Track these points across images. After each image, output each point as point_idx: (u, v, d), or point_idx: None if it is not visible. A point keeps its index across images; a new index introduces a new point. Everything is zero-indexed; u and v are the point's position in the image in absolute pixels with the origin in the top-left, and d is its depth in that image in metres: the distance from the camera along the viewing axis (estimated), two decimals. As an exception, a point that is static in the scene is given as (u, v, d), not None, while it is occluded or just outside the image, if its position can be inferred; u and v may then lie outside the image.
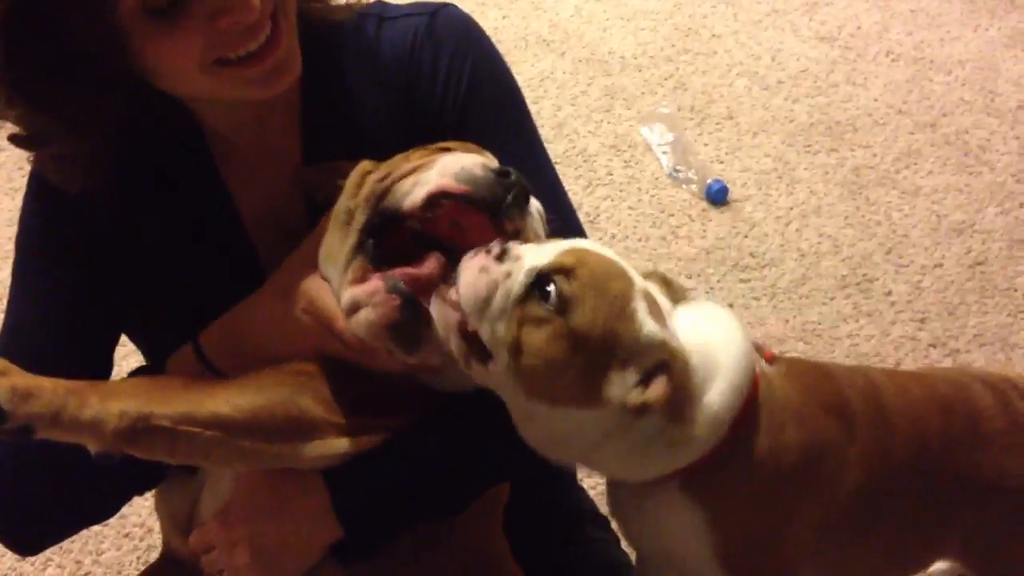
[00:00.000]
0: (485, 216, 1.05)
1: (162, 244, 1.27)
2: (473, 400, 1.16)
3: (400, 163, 1.13)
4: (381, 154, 1.20)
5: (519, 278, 1.00)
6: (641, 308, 1.01)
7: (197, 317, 1.21)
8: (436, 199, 1.05)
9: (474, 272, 1.01)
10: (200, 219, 1.27)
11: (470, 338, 1.02)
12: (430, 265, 1.06)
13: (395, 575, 1.15)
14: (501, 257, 1.01)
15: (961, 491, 1.22)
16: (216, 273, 1.27)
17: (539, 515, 1.54)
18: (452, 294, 1.02)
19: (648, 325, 1.01)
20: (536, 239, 1.08)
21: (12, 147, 1.16)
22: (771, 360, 1.14)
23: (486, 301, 1.00)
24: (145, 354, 1.40)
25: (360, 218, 1.10)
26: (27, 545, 1.32)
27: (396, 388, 1.14)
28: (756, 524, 1.11)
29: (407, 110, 1.26)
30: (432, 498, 1.16)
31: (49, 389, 0.97)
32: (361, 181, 1.14)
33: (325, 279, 1.13)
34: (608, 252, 1.06)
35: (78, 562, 1.93)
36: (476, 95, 1.27)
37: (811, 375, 1.18)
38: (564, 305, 0.99)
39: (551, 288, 0.99)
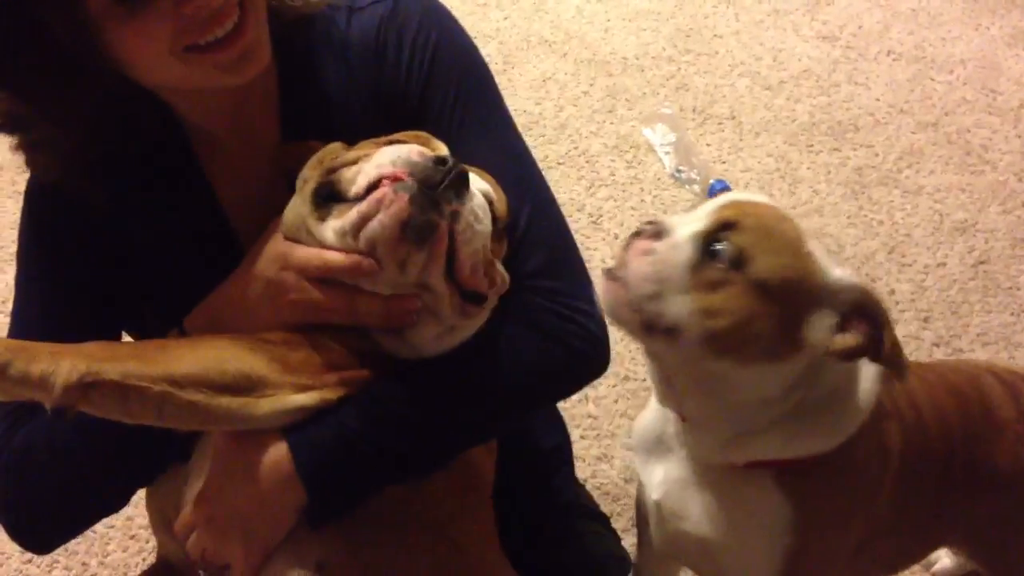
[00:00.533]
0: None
1: (146, 236, 1.29)
2: (437, 362, 1.17)
3: (352, 152, 1.17)
4: (356, 135, 1.23)
5: (684, 246, 0.99)
6: (817, 248, 0.99)
7: (185, 306, 1.22)
8: (376, 184, 1.09)
9: (639, 257, 1.00)
10: (182, 209, 1.28)
11: (648, 320, 1.01)
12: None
13: (373, 550, 1.15)
14: (659, 235, 1.00)
15: (975, 481, 1.21)
16: (200, 261, 1.28)
17: (529, 508, 1.55)
18: (624, 274, 1.02)
19: (832, 266, 0.98)
20: (475, 223, 1.10)
21: (12, 152, 1.18)
22: None
23: (659, 281, 0.99)
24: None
25: (310, 186, 1.15)
26: (40, 543, 1.33)
27: (355, 354, 1.15)
28: (838, 530, 1.09)
29: (377, 95, 1.28)
30: (396, 457, 1.15)
31: (0, 346, 1.00)
32: (321, 159, 1.19)
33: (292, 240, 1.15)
34: (761, 197, 1.04)
35: (84, 564, 1.93)
36: (437, 70, 1.28)
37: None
38: (739, 259, 0.97)
39: (721, 247, 0.98)
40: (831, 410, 1.03)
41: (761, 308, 0.96)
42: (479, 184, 1.17)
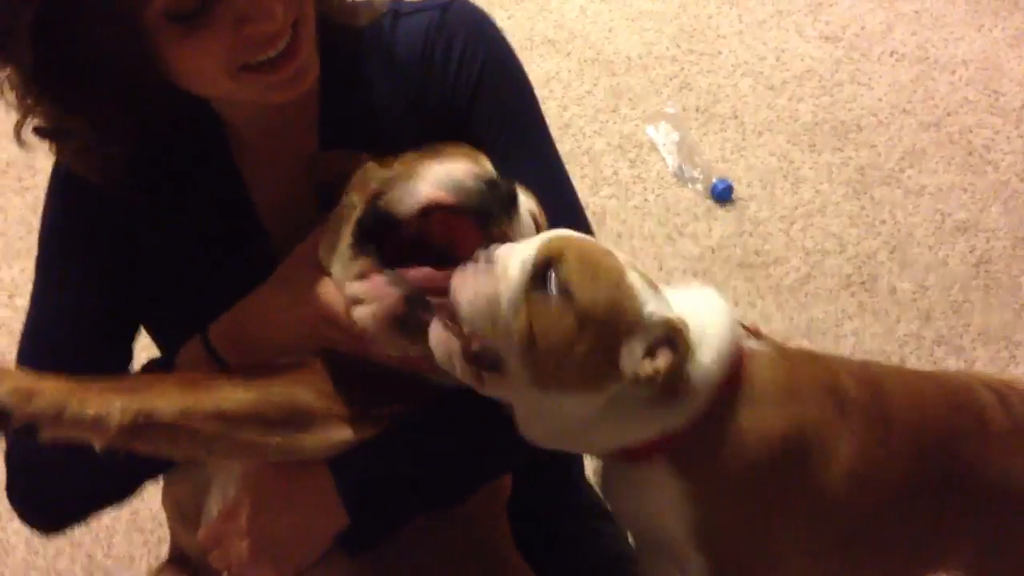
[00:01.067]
0: (473, 224, 1.09)
1: (179, 238, 1.29)
2: (472, 391, 1.17)
3: (396, 166, 1.16)
4: (398, 146, 1.22)
5: (515, 272, 1.03)
6: (636, 281, 1.06)
7: (212, 311, 1.23)
8: (427, 210, 1.09)
9: (468, 284, 1.05)
10: (216, 213, 1.28)
11: (475, 356, 1.06)
12: (426, 270, 1.09)
13: (398, 569, 1.16)
14: (490, 260, 1.05)
15: (969, 495, 1.21)
16: (231, 267, 1.28)
17: (545, 510, 1.55)
18: (448, 321, 1.06)
19: (648, 297, 1.05)
20: (526, 238, 1.11)
21: (19, 147, 1.19)
22: (757, 334, 1.16)
23: (489, 305, 1.03)
24: (160, 347, 1.42)
25: (353, 216, 1.14)
26: (48, 527, 1.34)
27: (397, 381, 1.16)
28: (737, 503, 1.11)
29: (421, 104, 1.28)
30: (437, 485, 1.16)
31: (51, 388, 0.99)
32: (365, 177, 1.17)
33: (327, 272, 1.15)
34: (586, 237, 1.11)
35: (90, 556, 1.95)
36: (486, 88, 1.28)
37: (800, 355, 1.19)
38: (565, 288, 1.03)
39: (550, 274, 1.03)
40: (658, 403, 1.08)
41: (580, 335, 1.02)
42: (524, 201, 1.16)
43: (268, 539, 1.15)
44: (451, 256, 1.10)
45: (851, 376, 1.18)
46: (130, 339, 1.36)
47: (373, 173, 1.17)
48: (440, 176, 1.10)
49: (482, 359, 1.05)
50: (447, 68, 1.27)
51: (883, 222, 2.64)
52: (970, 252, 2.54)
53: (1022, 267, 2.49)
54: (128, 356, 1.35)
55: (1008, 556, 1.26)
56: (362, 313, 1.08)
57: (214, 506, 1.22)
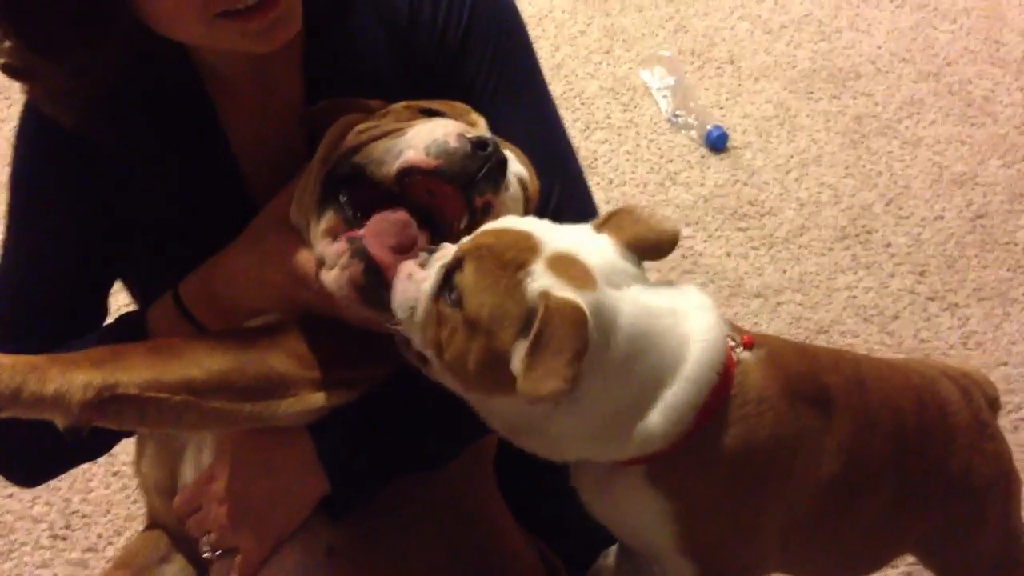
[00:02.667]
0: (456, 189, 1.04)
1: (156, 188, 1.24)
2: None
3: (382, 121, 1.11)
4: (384, 94, 1.19)
5: (431, 279, 1.01)
6: (535, 274, 0.97)
7: (189, 264, 1.19)
8: (407, 172, 1.04)
9: (403, 281, 1.02)
10: (195, 163, 1.24)
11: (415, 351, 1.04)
12: (392, 217, 1.04)
13: (383, 532, 1.15)
14: (424, 263, 1.02)
15: (932, 487, 1.21)
16: (209, 219, 1.24)
17: (532, 466, 1.53)
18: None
19: (533, 289, 0.96)
20: (511, 210, 1.08)
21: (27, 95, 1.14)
22: (749, 345, 1.10)
23: (409, 308, 1.01)
24: (136, 300, 1.38)
25: (320, 170, 1.10)
26: (25, 478, 1.33)
27: (374, 342, 1.12)
28: (723, 517, 1.09)
29: (409, 48, 1.24)
30: (417, 446, 1.15)
31: (7, 366, 0.96)
32: (343, 133, 1.12)
33: (298, 229, 1.11)
34: (525, 223, 1.03)
35: (67, 500, 1.92)
36: (476, 30, 1.24)
37: (793, 362, 1.14)
38: (459, 295, 0.99)
39: (453, 282, 0.99)
40: (643, 412, 1.02)
41: (473, 344, 0.98)
42: (515, 168, 1.12)
43: (246, 504, 1.13)
44: (435, 217, 1.06)
45: (838, 377, 1.15)
46: (105, 291, 1.32)
47: (352, 126, 1.12)
48: (423, 138, 1.04)
49: (418, 355, 1.04)
50: (436, 13, 1.24)
51: (879, 173, 2.59)
52: (967, 206, 2.50)
53: (1018, 223, 2.46)
54: (103, 309, 1.32)
55: (960, 540, 1.27)
56: (328, 277, 1.04)
57: (188, 473, 1.19)
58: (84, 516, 1.90)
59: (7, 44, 1.06)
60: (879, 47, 2.97)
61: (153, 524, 1.30)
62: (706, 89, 2.84)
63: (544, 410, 1.01)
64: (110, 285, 1.33)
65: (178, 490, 1.20)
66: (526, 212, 1.13)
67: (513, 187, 1.10)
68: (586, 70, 2.90)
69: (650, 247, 1.05)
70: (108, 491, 1.93)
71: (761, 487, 1.09)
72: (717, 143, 2.64)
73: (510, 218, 1.05)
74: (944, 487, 1.22)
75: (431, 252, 1.03)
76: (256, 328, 1.12)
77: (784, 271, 2.35)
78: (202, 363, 1.03)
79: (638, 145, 2.68)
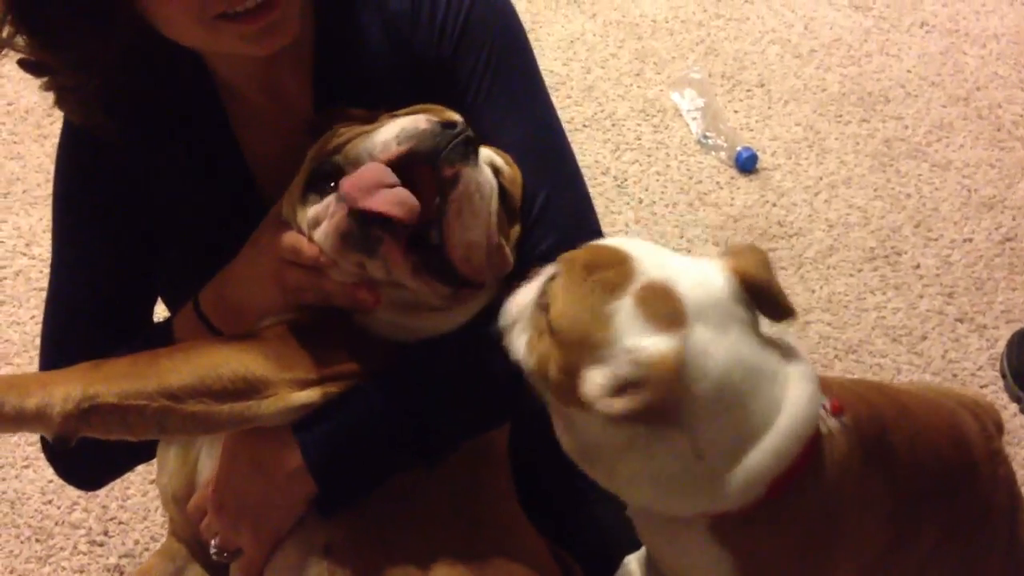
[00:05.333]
0: (428, 168, 1.08)
1: (177, 196, 1.28)
2: (440, 346, 1.17)
3: (357, 127, 1.16)
4: (390, 101, 1.22)
5: (535, 288, 1.05)
6: (624, 309, 0.97)
7: (212, 272, 1.23)
8: (384, 160, 1.09)
9: (514, 294, 1.08)
10: (209, 169, 1.28)
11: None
12: (368, 173, 1.08)
13: (382, 530, 1.16)
14: (535, 277, 1.07)
15: (963, 523, 1.21)
16: (228, 226, 1.27)
17: (547, 476, 1.54)
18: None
19: (625, 330, 0.96)
20: (476, 194, 1.09)
21: (41, 94, 1.17)
22: (837, 412, 1.06)
23: (513, 317, 1.06)
24: (171, 311, 1.41)
25: (305, 168, 1.16)
26: (88, 482, 1.38)
27: (353, 338, 1.15)
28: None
29: (411, 56, 1.27)
30: (404, 445, 1.14)
31: None
32: (332, 135, 1.17)
33: (286, 221, 1.16)
34: (628, 244, 1.03)
35: (104, 506, 1.95)
36: (471, 35, 1.26)
37: (868, 426, 1.10)
38: (547, 304, 1.01)
39: (546, 289, 1.03)
40: (716, 473, 1.00)
41: (553, 351, 0.99)
42: (487, 154, 1.16)
43: (242, 504, 1.15)
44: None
45: (900, 438, 1.13)
46: (148, 303, 1.36)
47: (341, 130, 1.17)
48: (392, 129, 1.09)
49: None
50: (434, 15, 1.26)
51: (908, 196, 2.60)
52: (996, 229, 2.51)
53: (1048, 246, 2.46)
54: (148, 317, 1.35)
55: (974, 567, 1.25)
56: (318, 233, 1.08)
57: (202, 479, 1.22)
58: (121, 523, 1.93)
59: (17, 38, 1.09)
60: (908, 71, 2.99)
61: (173, 534, 1.33)
62: (736, 111, 2.87)
63: (619, 444, 1.00)
64: (152, 301, 1.37)
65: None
66: (505, 202, 1.16)
67: (485, 168, 1.12)
68: (617, 92, 2.93)
69: (765, 297, 1.03)
70: (145, 498, 1.96)
71: (829, 552, 1.08)
72: (746, 164, 2.66)
73: (617, 238, 1.06)
74: (969, 520, 1.21)
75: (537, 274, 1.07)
76: (235, 334, 1.15)
77: (813, 291, 2.36)
78: (179, 369, 1.06)
79: (668, 166, 2.70)
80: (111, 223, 1.27)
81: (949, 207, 2.57)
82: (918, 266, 2.42)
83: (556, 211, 1.22)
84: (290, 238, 1.12)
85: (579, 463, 1.07)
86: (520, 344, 1.04)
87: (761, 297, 1.02)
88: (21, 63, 1.13)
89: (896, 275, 2.40)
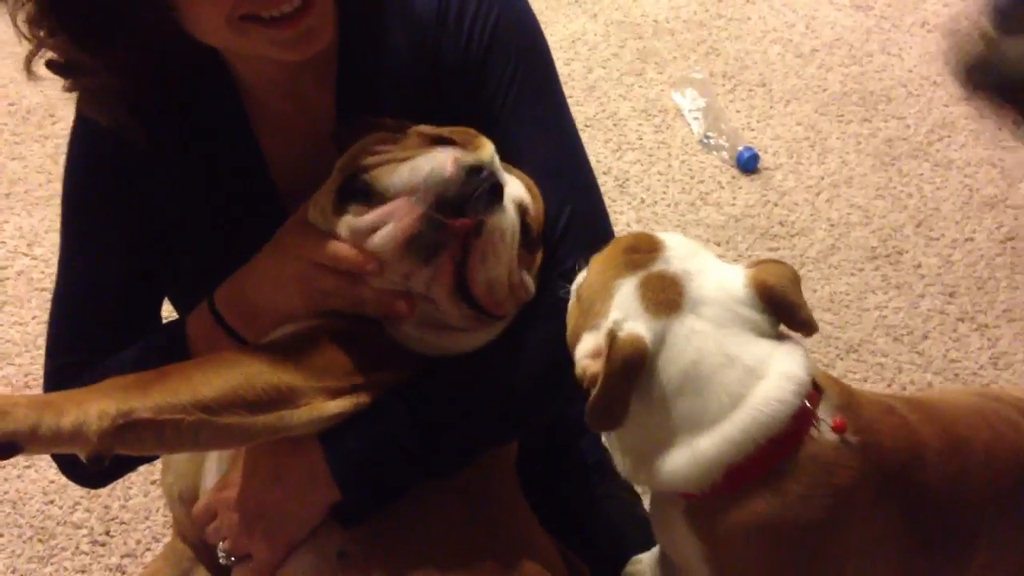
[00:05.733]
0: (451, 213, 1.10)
1: (193, 196, 1.28)
2: (467, 361, 1.18)
3: (408, 143, 1.17)
4: (413, 109, 1.23)
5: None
6: (627, 287, 1.06)
7: (226, 272, 1.23)
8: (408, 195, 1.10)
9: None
10: (229, 172, 1.28)
11: None
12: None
13: (396, 536, 1.16)
14: None
15: (997, 527, 1.19)
16: (244, 227, 1.27)
17: (558, 472, 1.55)
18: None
19: (621, 304, 1.06)
20: (499, 242, 1.13)
21: (42, 96, 1.17)
22: (838, 429, 1.07)
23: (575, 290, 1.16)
24: (178, 309, 1.41)
25: (337, 177, 1.16)
26: (93, 480, 1.38)
27: (381, 347, 1.16)
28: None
29: (436, 61, 1.27)
30: (429, 456, 1.16)
31: (23, 404, 0.97)
32: (363, 149, 1.17)
33: (314, 225, 1.16)
34: (674, 239, 1.11)
35: (106, 507, 1.95)
36: (499, 44, 1.27)
37: (894, 451, 1.09)
38: (583, 267, 1.14)
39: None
40: (669, 449, 1.05)
41: (574, 315, 1.12)
42: (514, 193, 1.17)
43: (258, 511, 1.15)
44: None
45: (934, 474, 1.11)
46: (156, 303, 1.36)
47: (372, 145, 1.17)
48: (422, 169, 1.10)
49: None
50: (461, 24, 1.26)
51: (910, 195, 2.60)
52: (997, 228, 2.51)
53: (1050, 245, 2.46)
54: (155, 320, 1.35)
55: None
56: (381, 236, 1.08)
57: (210, 482, 1.22)
58: (123, 523, 1.93)
59: (53, 40, 1.09)
60: (910, 71, 2.99)
61: (178, 535, 1.33)
62: (737, 111, 2.87)
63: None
64: (160, 300, 1.37)
65: (200, 494, 1.23)
66: (527, 235, 1.18)
67: (510, 210, 1.14)
68: (618, 92, 2.93)
69: (786, 307, 1.07)
70: (147, 499, 1.96)
71: (806, 569, 1.07)
72: (748, 164, 2.66)
73: (670, 233, 1.13)
74: (1009, 526, 1.19)
75: None
76: (265, 343, 1.15)
77: (815, 291, 2.36)
78: (212, 382, 1.05)
79: (670, 166, 2.70)
80: (122, 222, 1.28)
81: (950, 206, 2.57)
82: (919, 265, 2.42)
83: (579, 227, 1.25)
84: (327, 242, 1.12)
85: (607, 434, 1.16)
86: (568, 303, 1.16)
87: (780, 308, 1.08)
88: (49, 64, 1.13)
89: (897, 274, 2.40)
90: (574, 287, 1.15)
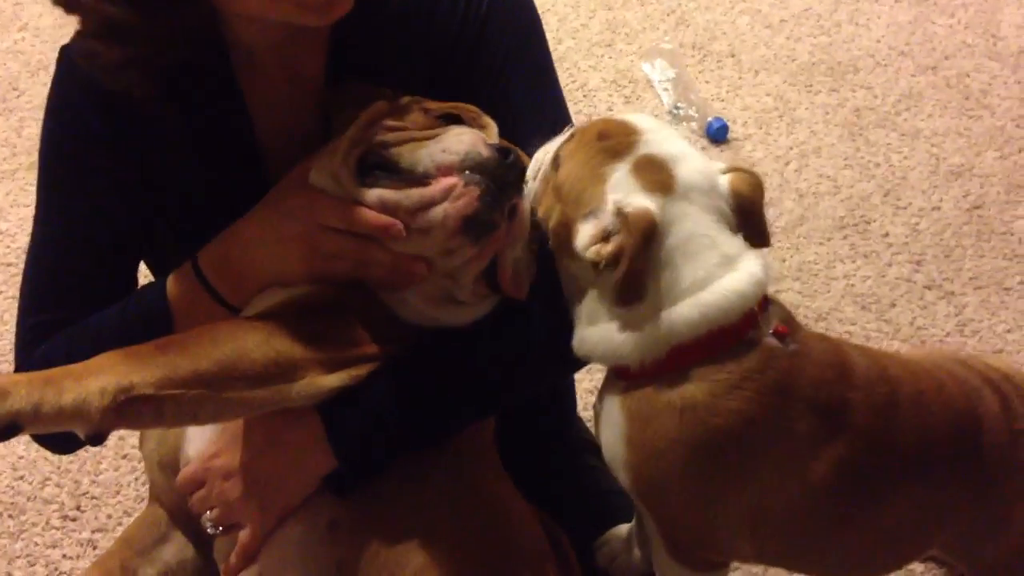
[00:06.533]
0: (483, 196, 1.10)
1: (177, 158, 1.27)
2: (461, 334, 1.19)
3: (414, 119, 1.17)
4: (402, 81, 1.22)
5: (551, 151, 1.16)
6: (619, 171, 1.09)
7: (207, 236, 1.21)
8: (441, 172, 1.11)
9: (536, 155, 1.18)
10: (215, 134, 1.26)
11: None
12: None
13: (385, 505, 1.16)
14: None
15: (958, 500, 1.21)
16: (227, 190, 1.26)
17: (537, 445, 1.56)
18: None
19: (616, 188, 1.08)
20: (527, 217, 1.17)
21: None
22: (780, 335, 1.11)
23: (536, 172, 1.17)
24: (155, 273, 1.40)
25: (355, 152, 1.14)
26: (60, 449, 1.39)
27: (377, 318, 1.15)
28: (673, 478, 1.11)
29: (428, 38, 1.27)
30: (424, 426, 1.17)
31: (23, 382, 0.97)
32: (373, 119, 1.16)
33: (318, 188, 1.15)
34: (644, 120, 1.14)
35: (77, 481, 1.94)
36: (493, 21, 1.27)
37: (819, 369, 1.13)
38: (558, 162, 1.13)
39: (559, 151, 1.14)
40: (633, 323, 1.09)
41: (555, 206, 1.12)
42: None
43: (253, 479, 1.15)
44: None
45: (863, 398, 1.14)
46: (133, 262, 1.35)
47: (381, 114, 1.17)
48: (458, 145, 1.11)
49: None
50: (456, 4, 1.27)
51: (877, 165, 2.62)
52: (964, 197, 2.53)
53: (1015, 213, 2.49)
54: (131, 279, 1.34)
55: (985, 541, 1.26)
56: (434, 215, 1.08)
57: (192, 449, 1.21)
58: (94, 497, 1.93)
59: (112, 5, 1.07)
60: (878, 41, 3.00)
61: (155, 501, 1.32)
62: (707, 82, 2.87)
63: (592, 283, 1.11)
64: (138, 259, 1.36)
65: (181, 467, 1.21)
66: (533, 215, 1.20)
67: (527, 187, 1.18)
68: (588, 63, 2.93)
69: (749, 218, 1.12)
70: (117, 473, 1.95)
71: (724, 463, 1.10)
72: (718, 135, 2.67)
73: (636, 114, 1.16)
74: (971, 500, 1.22)
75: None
76: (259, 315, 1.14)
77: (784, 260, 2.38)
78: (210, 355, 1.05)
79: (639, 136, 2.70)
80: (100, 180, 1.26)
81: (918, 176, 2.59)
82: (887, 234, 2.44)
83: None
84: (342, 205, 1.11)
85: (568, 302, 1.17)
86: (536, 200, 1.15)
87: (748, 217, 1.12)
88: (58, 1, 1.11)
89: (865, 243, 2.42)
90: (538, 179, 1.16)
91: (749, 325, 1.09)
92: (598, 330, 1.11)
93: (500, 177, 1.09)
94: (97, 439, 0.99)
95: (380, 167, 1.12)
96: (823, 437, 1.12)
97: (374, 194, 1.10)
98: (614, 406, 1.13)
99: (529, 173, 1.17)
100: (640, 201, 1.06)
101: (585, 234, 1.07)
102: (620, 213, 1.05)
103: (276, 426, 1.14)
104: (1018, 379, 1.31)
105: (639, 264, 1.05)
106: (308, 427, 1.13)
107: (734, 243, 1.10)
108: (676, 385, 1.08)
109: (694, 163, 1.11)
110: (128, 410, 0.99)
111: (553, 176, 1.12)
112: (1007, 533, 1.26)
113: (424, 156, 1.11)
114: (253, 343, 1.07)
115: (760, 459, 1.11)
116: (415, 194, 1.09)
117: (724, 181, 1.13)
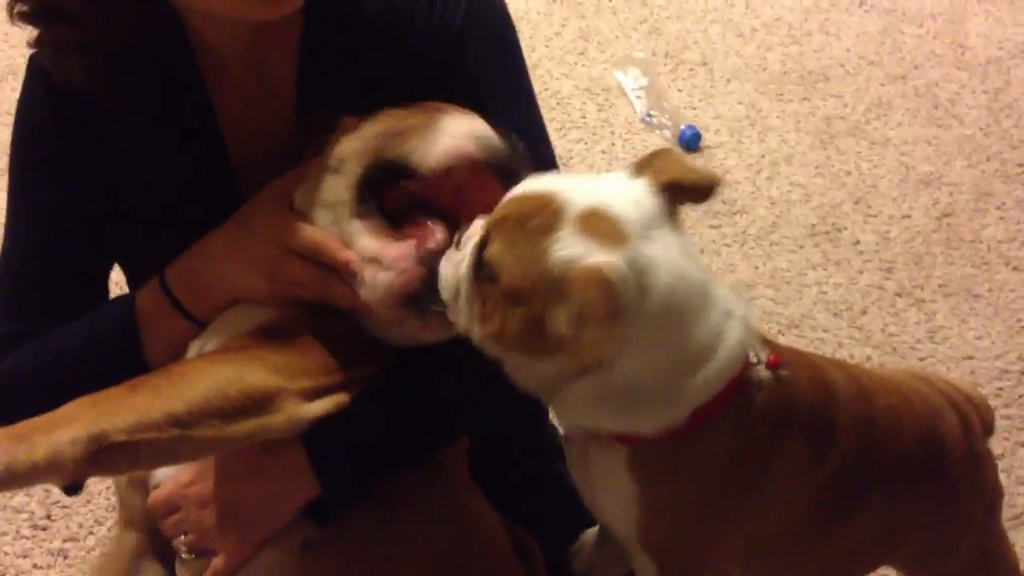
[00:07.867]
0: (500, 183, 1.07)
1: (147, 168, 1.25)
2: (436, 350, 1.16)
3: (399, 117, 1.14)
4: (375, 88, 1.20)
5: (467, 259, 1.02)
6: (563, 237, 0.96)
7: (179, 249, 1.20)
8: (456, 161, 1.08)
9: (446, 267, 1.04)
10: (186, 145, 1.25)
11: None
12: (438, 235, 1.08)
13: (356, 522, 1.14)
14: (459, 244, 1.03)
15: (918, 517, 1.22)
16: (198, 204, 1.25)
17: (507, 453, 1.55)
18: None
19: (560, 250, 0.95)
20: None
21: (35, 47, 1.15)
22: (774, 365, 1.08)
23: (453, 290, 1.03)
24: (132, 286, 1.39)
25: (354, 168, 1.12)
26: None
27: (352, 343, 1.14)
28: (686, 520, 1.09)
29: (403, 46, 1.26)
30: (406, 449, 1.15)
31: None
32: (352, 129, 1.15)
33: (304, 218, 1.13)
34: (549, 183, 1.02)
35: (47, 490, 1.92)
36: (469, 32, 1.26)
37: (808, 393, 1.11)
38: (493, 271, 0.99)
39: (484, 258, 1.00)
40: (650, 394, 1.01)
41: (512, 314, 0.98)
42: None
43: (233, 509, 1.13)
44: (449, 214, 1.09)
45: (847, 418, 1.14)
46: (102, 275, 1.33)
47: (368, 128, 1.15)
48: (462, 128, 1.09)
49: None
50: (432, 9, 1.25)
51: (848, 173, 2.64)
52: (933, 205, 2.56)
53: (983, 221, 2.52)
54: (101, 291, 1.33)
55: (940, 555, 1.28)
56: (379, 278, 1.06)
57: (163, 471, 1.17)
58: (64, 507, 1.91)
59: None
60: (848, 50, 3.03)
61: (124, 523, 1.29)
62: (679, 90, 2.89)
63: (576, 370, 1.00)
64: (108, 269, 1.34)
65: (150, 483, 1.18)
66: None
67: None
68: (561, 70, 2.93)
69: (691, 188, 1.02)
70: (89, 481, 1.93)
71: (730, 502, 1.09)
72: (690, 143, 2.68)
73: (531, 180, 1.03)
74: (931, 516, 1.23)
75: (459, 236, 1.04)
76: (229, 347, 1.12)
77: (756, 267, 2.39)
78: (183, 395, 1.01)
79: (613, 144, 2.72)
80: (70, 189, 1.24)
81: (888, 184, 2.61)
82: (858, 242, 2.46)
83: None
84: (311, 232, 1.10)
85: (537, 395, 1.08)
86: (467, 317, 1.03)
87: (691, 194, 1.03)
88: (21, 15, 1.11)
89: (837, 251, 2.44)
90: (464, 300, 1.04)
91: (749, 366, 1.06)
92: (595, 409, 1.05)
93: (508, 163, 1.08)
94: (73, 489, 0.98)
95: (389, 173, 1.10)
96: (816, 460, 1.12)
97: (362, 234, 1.09)
98: (617, 469, 1.08)
99: (446, 296, 1.05)
100: (595, 256, 0.94)
101: (563, 320, 0.94)
102: (571, 267, 0.94)
103: (257, 456, 1.11)
104: (978, 399, 1.31)
105: (598, 334, 0.94)
106: (291, 456, 1.10)
107: (719, 285, 1.04)
108: (695, 443, 1.04)
109: (622, 199, 1.00)
110: (103, 458, 0.95)
111: (492, 287, 0.99)
112: (956, 556, 1.28)
113: (428, 143, 1.08)
114: (226, 378, 1.03)
115: (764, 491, 1.10)
116: (373, 247, 1.07)
117: (651, 192, 1.02)
